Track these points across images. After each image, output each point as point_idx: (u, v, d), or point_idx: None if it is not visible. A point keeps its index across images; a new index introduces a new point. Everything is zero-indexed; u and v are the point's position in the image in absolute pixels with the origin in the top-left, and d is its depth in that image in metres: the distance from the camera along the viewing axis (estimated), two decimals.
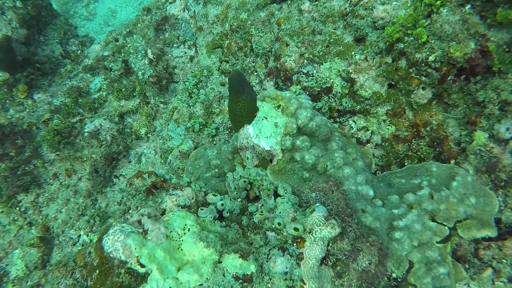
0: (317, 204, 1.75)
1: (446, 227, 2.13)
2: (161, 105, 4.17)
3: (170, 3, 4.52)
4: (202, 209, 1.67)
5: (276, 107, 2.30)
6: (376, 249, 1.79)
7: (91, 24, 11.43)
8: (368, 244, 1.81)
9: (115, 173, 4.10)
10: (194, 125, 3.49)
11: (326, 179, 2.02)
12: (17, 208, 4.03)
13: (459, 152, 2.56)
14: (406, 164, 2.87)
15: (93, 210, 3.88)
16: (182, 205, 1.64)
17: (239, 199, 2.36)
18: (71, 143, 3.93)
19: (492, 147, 2.44)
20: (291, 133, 2.21)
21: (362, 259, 1.77)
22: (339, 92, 2.81)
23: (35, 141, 4.21)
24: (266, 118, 2.30)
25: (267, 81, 3.29)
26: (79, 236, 3.83)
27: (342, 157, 2.29)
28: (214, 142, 3.47)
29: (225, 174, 2.60)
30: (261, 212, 1.86)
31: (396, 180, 2.37)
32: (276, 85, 3.23)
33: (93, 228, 3.78)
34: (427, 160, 2.78)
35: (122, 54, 4.77)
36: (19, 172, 4.05)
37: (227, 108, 3.56)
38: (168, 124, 4.06)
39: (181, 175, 3.31)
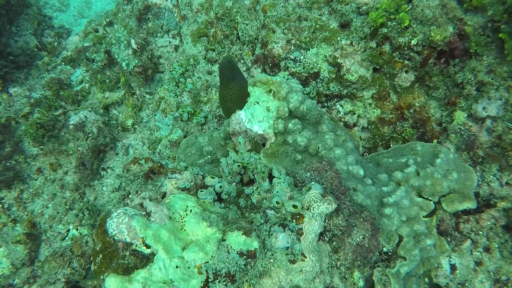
0: (313, 183, 1.82)
1: (431, 202, 2.26)
2: (147, 96, 4.13)
3: None
4: (202, 191, 1.71)
5: (267, 91, 2.34)
6: (369, 224, 1.88)
7: (65, 16, 10.99)
8: (361, 219, 1.90)
9: (102, 166, 4.05)
10: (183, 114, 3.49)
11: (319, 160, 2.09)
12: (0, 205, 3.92)
13: (441, 131, 2.69)
14: (391, 145, 2.99)
15: (81, 204, 3.83)
16: (182, 187, 1.67)
17: (234, 183, 2.41)
18: (55, 136, 3.85)
19: (471, 125, 2.58)
20: (283, 117, 2.27)
21: (356, 234, 1.86)
22: (326, 77, 2.88)
23: (15, 136, 4.09)
24: (258, 103, 2.35)
25: (255, 68, 3.32)
26: (68, 230, 3.78)
27: (333, 139, 2.37)
28: (204, 130, 3.48)
29: (218, 160, 2.64)
30: (259, 192, 1.91)
31: (384, 160, 2.48)
32: (263, 72, 3.26)
33: (82, 222, 3.74)
34: (411, 141, 2.91)
35: (104, 45, 4.66)
36: (0, 168, 3.93)
37: (214, 97, 3.58)
38: (155, 115, 4.04)
39: (174, 163, 3.32)
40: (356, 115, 3.02)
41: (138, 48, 4.14)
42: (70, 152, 3.90)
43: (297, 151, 2.33)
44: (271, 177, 2.28)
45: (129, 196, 1.65)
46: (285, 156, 2.35)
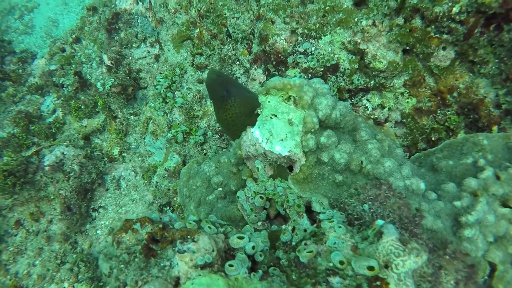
0: (380, 222, 1.30)
1: None
2: (132, 118, 3.55)
3: None
4: (231, 265, 1.17)
5: (285, 99, 1.80)
6: (460, 262, 1.37)
7: (31, 38, 10.25)
8: (447, 257, 1.38)
9: (92, 206, 3.48)
10: (176, 135, 2.93)
11: (375, 183, 1.57)
12: None
13: (501, 115, 2.19)
14: (433, 138, 2.48)
15: (74, 255, 3.26)
16: (200, 265, 1.14)
17: (260, 223, 1.87)
18: (30, 182, 3.26)
19: None
20: (312, 130, 1.73)
21: (446, 279, 1.34)
22: (348, 69, 2.35)
23: None
24: (275, 116, 1.80)
25: (255, 69, 2.77)
26: None
27: (378, 148, 1.84)
28: (204, 151, 2.93)
29: (232, 192, 2.09)
30: (308, 248, 1.38)
31: (441, 163, 1.97)
32: (266, 72, 2.71)
33: (79, 277, 3.17)
34: (457, 131, 2.40)
35: (73, 65, 4.05)
36: None
37: (211, 109, 3.02)
38: (144, 138, 3.46)
39: (176, 200, 2.77)
40: (386, 109, 2.50)
41: (112, 64, 3.54)
42: (52, 197, 3.31)
43: (336, 171, 1.80)
44: (308, 209, 1.75)
45: None
46: (321, 179, 1.81)
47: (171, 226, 1.40)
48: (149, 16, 3.60)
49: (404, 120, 2.50)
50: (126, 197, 3.53)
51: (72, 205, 3.29)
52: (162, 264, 1.17)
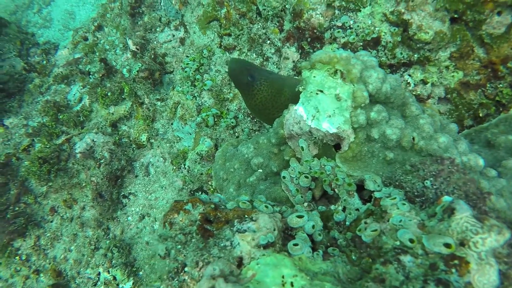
0: (448, 198, 1.21)
1: None
2: (158, 103, 3.51)
3: None
4: (296, 244, 1.11)
5: (332, 73, 1.70)
6: None
7: (50, 32, 10.35)
8: None
9: (123, 193, 3.49)
10: (207, 118, 2.87)
11: (436, 158, 1.47)
12: (17, 257, 3.41)
13: None
14: (481, 114, 2.33)
15: (107, 241, 3.29)
16: (263, 244, 1.08)
17: (306, 204, 1.80)
18: (63, 169, 3.28)
19: None
20: (362, 105, 1.63)
21: None
22: (390, 42, 2.22)
23: (19, 175, 3.53)
24: (322, 91, 1.71)
25: (287, 47, 2.66)
26: (99, 274, 3.25)
27: (430, 123, 1.73)
28: (236, 134, 2.86)
29: (274, 174, 2.03)
30: (372, 227, 1.30)
31: (500, 139, 1.84)
32: (300, 50, 2.60)
33: (113, 262, 3.21)
34: (509, 105, 2.25)
35: (97, 53, 4.03)
36: (8, 215, 3.40)
37: None
38: (172, 124, 3.43)
39: (210, 184, 2.73)
40: (429, 84, 2.36)
41: (137, 49, 3.50)
42: (83, 184, 3.34)
43: (387, 147, 1.70)
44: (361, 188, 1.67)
45: (185, 269, 1.07)
46: (371, 157, 1.72)
47: (223, 207, 1.35)
48: None
49: (449, 96, 2.36)
50: (155, 184, 3.52)
51: (103, 191, 3.30)
52: (222, 244, 1.11)
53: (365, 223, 1.34)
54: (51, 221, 3.44)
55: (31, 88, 4.62)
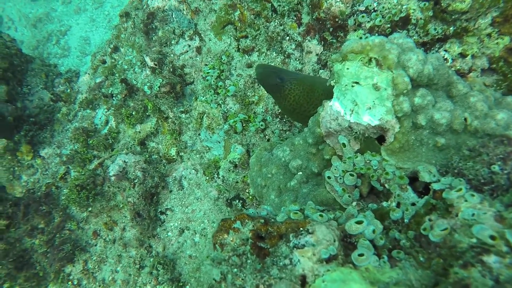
0: None
1: None
2: (183, 116, 3.49)
3: None
4: (361, 254, 1.01)
5: (366, 62, 1.58)
6: None
7: (69, 60, 10.73)
8: None
9: (160, 209, 3.50)
10: (235, 125, 2.81)
11: (500, 138, 1.32)
12: (69, 282, 3.49)
13: None
14: None
15: (151, 259, 3.30)
16: (325, 258, 0.99)
17: (355, 203, 1.69)
18: (99, 193, 3.32)
19: None
20: (405, 91, 1.50)
21: None
22: (421, 18, 2.06)
23: (61, 203, 3.62)
24: (357, 83, 1.59)
25: (308, 40, 2.55)
26: None
27: (483, 100, 1.57)
28: (267, 137, 2.78)
29: (315, 175, 1.93)
30: (428, 218, 1.18)
31: None
32: (322, 42, 2.48)
33: (159, 279, 3.21)
34: None
35: (117, 74, 4.07)
36: (56, 243, 3.49)
37: (265, 92, 2.86)
38: (199, 134, 3.39)
39: (247, 192, 2.67)
40: (469, 57, 2.18)
41: (155, 64, 3.49)
42: (121, 206, 3.37)
43: (437, 133, 1.56)
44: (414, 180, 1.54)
45: None
46: (419, 146, 1.59)
47: (272, 220, 1.27)
48: (184, 9, 3.48)
49: (494, 66, 2.17)
50: (190, 196, 3.50)
51: (141, 210, 3.32)
52: (281, 263, 1.03)
53: (430, 220, 1.21)
54: (95, 245, 3.50)
55: (60, 117, 4.74)
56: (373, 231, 1.16)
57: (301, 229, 1.11)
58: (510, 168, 1.20)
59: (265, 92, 2.83)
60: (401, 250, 1.21)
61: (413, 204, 1.45)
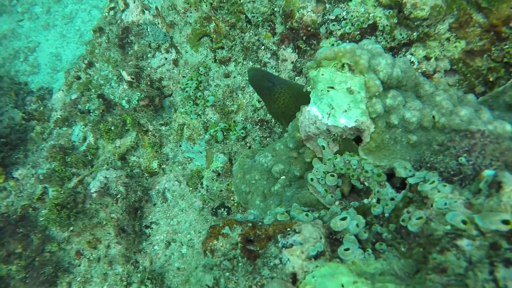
0: (489, 172, 1.17)
1: None
2: (163, 128, 3.49)
3: (123, 10, 3.77)
4: (347, 249, 1.07)
5: (340, 68, 1.67)
6: None
7: (40, 77, 10.43)
8: None
9: (144, 223, 3.46)
10: (216, 134, 2.85)
11: (465, 132, 1.43)
12: None
13: None
14: (491, 79, 2.30)
15: (139, 274, 3.25)
16: (313, 255, 1.04)
17: (337, 202, 1.76)
18: (81, 211, 3.25)
19: None
20: (377, 93, 1.60)
21: None
22: (387, 25, 2.19)
23: (39, 224, 3.51)
24: (333, 88, 1.68)
25: (283, 49, 2.64)
26: None
27: (447, 98, 1.69)
28: (248, 144, 2.83)
29: (297, 178, 1.99)
30: (406, 210, 1.26)
31: None
32: (297, 50, 2.58)
33: None
34: None
35: (93, 90, 4.03)
36: (35, 266, 3.37)
37: (244, 101, 2.92)
38: (181, 146, 3.40)
39: (232, 200, 2.70)
40: (433, 59, 2.33)
41: (132, 78, 3.49)
42: (104, 223, 3.31)
43: (409, 131, 1.67)
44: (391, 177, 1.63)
45: None
46: (394, 143, 1.69)
47: (260, 223, 1.31)
48: (159, 23, 3.51)
49: (455, 67, 2.33)
50: (175, 208, 3.49)
51: (125, 226, 3.27)
52: (271, 263, 1.08)
53: (408, 212, 1.30)
54: (79, 265, 3.41)
55: (34, 136, 4.61)
56: (357, 225, 1.23)
57: (288, 229, 1.16)
58: (475, 159, 1.30)
59: (244, 101, 2.89)
60: (384, 242, 1.28)
61: (392, 199, 1.54)
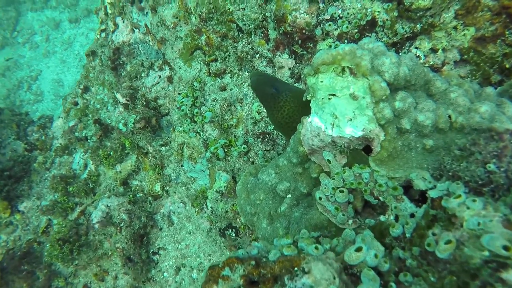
0: None
1: None
2: (163, 149, 3.36)
3: (113, 31, 3.68)
4: None
5: (340, 73, 1.51)
6: None
7: (44, 104, 10.50)
8: None
9: (152, 250, 3.31)
10: (216, 151, 2.70)
11: (489, 133, 1.25)
12: None
13: None
14: (507, 66, 2.10)
15: None
16: None
17: (351, 221, 1.58)
18: (85, 244, 3.13)
19: None
20: (384, 97, 1.43)
21: None
22: (387, 19, 2.02)
23: (44, 260, 3.40)
24: (334, 95, 1.51)
25: (279, 55, 2.49)
26: None
27: (463, 94, 1.51)
28: (251, 159, 2.67)
29: (305, 195, 1.82)
30: (431, 232, 1.08)
31: None
32: (293, 55, 2.43)
33: None
34: None
35: (90, 115, 3.93)
36: None
37: (243, 113, 2.77)
38: (182, 166, 3.26)
39: (237, 221, 2.53)
40: (440, 51, 2.15)
41: (128, 100, 3.38)
42: (110, 253, 3.17)
43: (423, 135, 1.49)
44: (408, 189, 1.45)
45: None
46: (408, 150, 1.50)
47: (264, 260, 1.14)
48: (149, 40, 3.40)
49: (465, 57, 2.14)
50: (182, 231, 3.34)
51: (131, 255, 3.13)
52: None
53: (433, 234, 1.11)
54: None
55: (37, 167, 4.54)
56: (375, 256, 1.05)
57: (296, 268, 0.99)
58: (507, 165, 1.12)
59: (243, 113, 2.74)
60: (408, 272, 1.10)
61: (412, 215, 1.36)
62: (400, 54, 2.13)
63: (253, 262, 1.11)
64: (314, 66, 1.52)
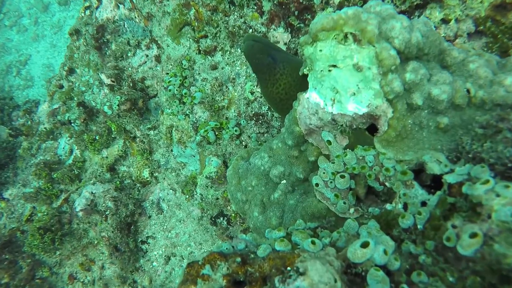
0: None
1: None
2: (151, 132, 3.16)
3: (97, 7, 3.42)
4: None
5: (341, 40, 1.30)
6: None
7: (35, 90, 10.20)
8: None
9: (140, 239, 3.15)
10: (207, 134, 2.50)
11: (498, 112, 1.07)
12: None
13: None
14: None
15: None
16: None
17: (352, 209, 1.41)
18: (68, 233, 2.95)
19: None
20: (393, 67, 1.23)
21: None
22: None
23: (24, 249, 3.23)
24: (335, 66, 1.31)
25: (274, 29, 2.27)
26: None
27: (484, 64, 1.31)
28: (244, 143, 2.48)
29: (301, 181, 1.64)
30: (451, 224, 0.91)
31: None
32: (289, 29, 2.21)
33: None
34: None
35: (75, 98, 3.71)
36: None
37: (235, 93, 2.56)
38: (172, 150, 3.07)
39: (228, 208, 2.35)
40: (452, 21, 1.94)
41: (113, 81, 3.15)
42: (96, 242, 3.00)
43: (438, 112, 1.30)
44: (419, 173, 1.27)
45: None
46: (420, 129, 1.32)
47: (252, 255, 0.96)
48: (135, 17, 3.16)
49: (481, 28, 1.93)
50: (172, 219, 3.17)
51: (118, 244, 2.97)
52: None
53: (453, 226, 0.94)
54: None
55: (22, 153, 4.34)
56: (385, 252, 0.87)
57: (289, 268, 0.81)
58: None
59: (235, 94, 2.54)
60: (422, 271, 0.92)
61: (424, 203, 1.18)
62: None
63: (238, 259, 0.93)
64: (312, 33, 1.32)
